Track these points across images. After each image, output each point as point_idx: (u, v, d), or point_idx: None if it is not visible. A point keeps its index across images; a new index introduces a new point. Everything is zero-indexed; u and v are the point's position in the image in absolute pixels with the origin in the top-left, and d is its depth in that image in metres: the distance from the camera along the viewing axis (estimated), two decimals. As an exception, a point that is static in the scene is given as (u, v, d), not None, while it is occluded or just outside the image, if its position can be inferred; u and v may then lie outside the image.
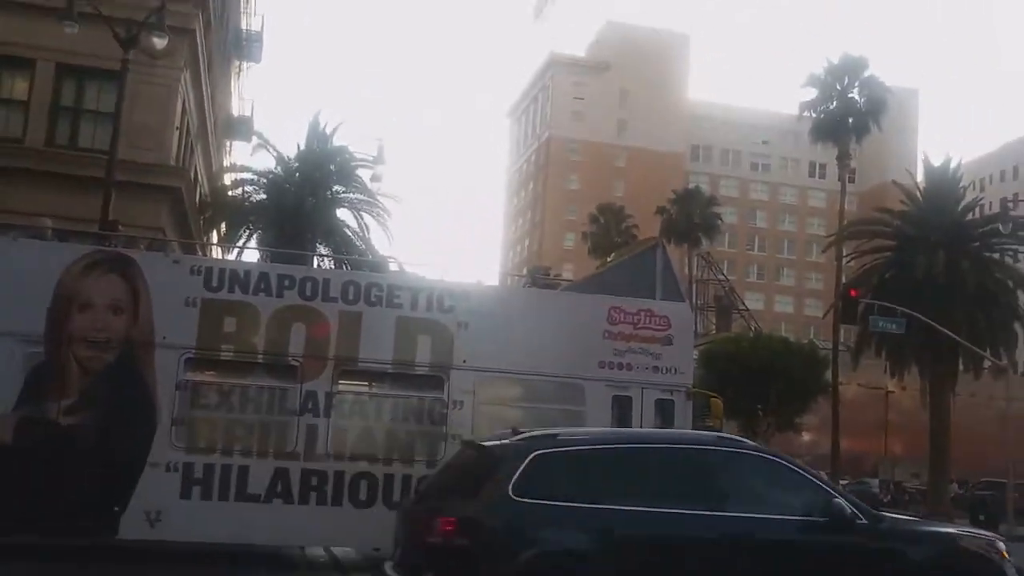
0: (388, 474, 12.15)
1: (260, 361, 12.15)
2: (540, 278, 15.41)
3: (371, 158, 40.73)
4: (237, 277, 12.26)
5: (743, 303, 69.03)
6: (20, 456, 11.16)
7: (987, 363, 38.37)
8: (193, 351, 11.89)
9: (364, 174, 40.57)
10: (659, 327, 13.31)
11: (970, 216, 44.77)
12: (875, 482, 46.71)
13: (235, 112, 44.49)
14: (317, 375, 12.15)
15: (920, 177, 46.95)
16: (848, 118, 47.24)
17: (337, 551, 13.16)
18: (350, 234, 39.03)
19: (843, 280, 44.16)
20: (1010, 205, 41.22)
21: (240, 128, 43.61)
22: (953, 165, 46.07)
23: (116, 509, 11.35)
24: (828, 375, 43.22)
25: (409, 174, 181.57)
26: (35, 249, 12.31)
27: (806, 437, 54.77)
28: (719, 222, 68.73)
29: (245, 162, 42.44)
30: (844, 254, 47.12)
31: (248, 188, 39.64)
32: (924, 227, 42.51)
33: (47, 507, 11.15)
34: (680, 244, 67.45)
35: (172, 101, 24.80)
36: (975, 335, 36.76)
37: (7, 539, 11.48)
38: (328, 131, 40.34)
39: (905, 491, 42.50)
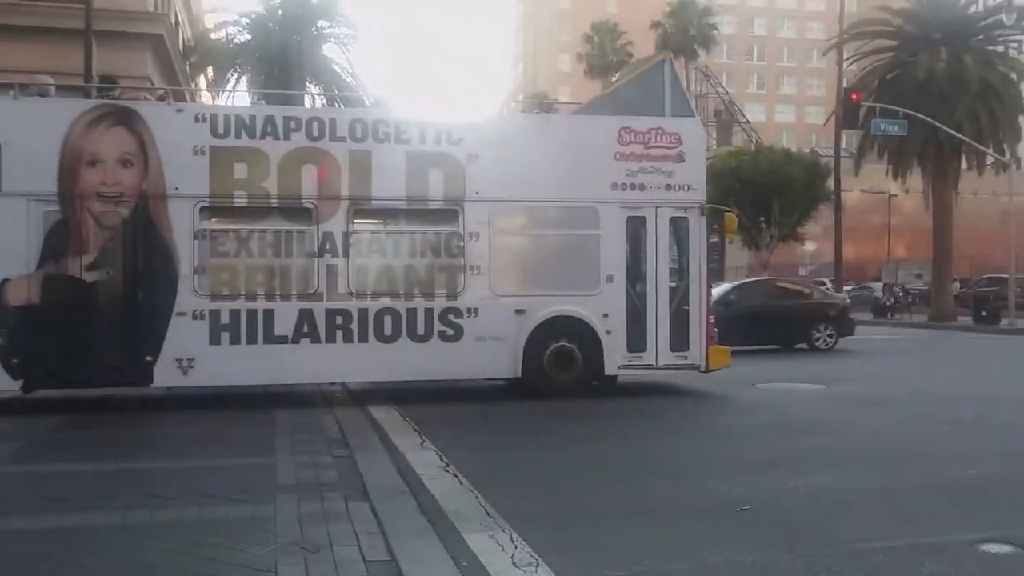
0: (410, 308, 12.45)
1: (274, 205, 12.23)
2: (546, 103, 15.20)
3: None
4: (243, 122, 12.21)
5: (743, 115, 68.20)
6: (48, 314, 11.40)
7: (990, 159, 38.24)
8: (207, 199, 11.97)
9: (347, 6, 39.72)
10: (670, 144, 13.25)
11: (973, 9, 43.59)
12: (878, 286, 47.30)
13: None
14: (332, 215, 12.28)
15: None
16: (847, -88, 45.28)
17: (352, 385, 13.59)
18: (339, 71, 38.50)
19: (844, 84, 43.38)
20: (1014, -6, 40.03)
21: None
22: None
23: (148, 359, 11.69)
24: (830, 183, 43.13)
25: (404, 4, 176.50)
26: (38, 106, 12.20)
27: (809, 246, 55.22)
28: (716, 33, 66.90)
29: (225, 3, 41.45)
30: (845, 57, 46.11)
31: (231, 30, 38.96)
32: (926, 24, 41.54)
33: (80, 361, 11.51)
34: (677, 58, 66.02)
35: (146, -58, 23.97)
36: (978, 132, 36.56)
37: (43, 393, 11.97)
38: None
39: (908, 293, 43.12)
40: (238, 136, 12.09)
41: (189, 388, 12.23)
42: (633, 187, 13.14)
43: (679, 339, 13.30)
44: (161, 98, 13.53)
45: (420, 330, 12.43)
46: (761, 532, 6.38)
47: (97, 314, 11.62)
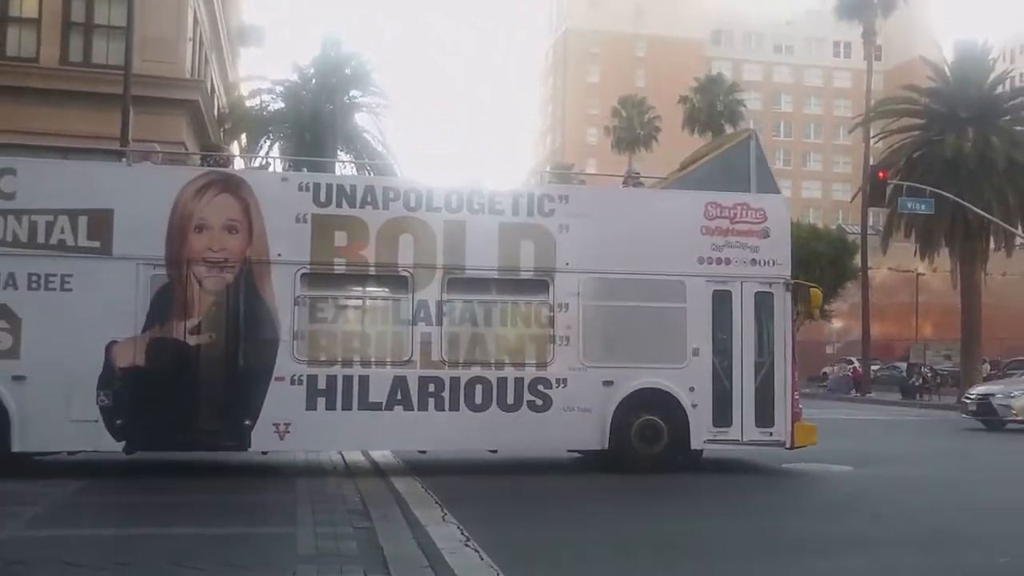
0: (501, 378, 12.54)
1: (372, 273, 12.51)
2: (632, 177, 15.49)
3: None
4: (344, 192, 12.48)
5: (777, 189, 68.32)
6: (152, 376, 11.62)
7: (1019, 240, 38.04)
8: (308, 266, 12.22)
9: (380, 77, 40.54)
10: (756, 220, 13.41)
11: (1000, 90, 43.83)
12: (903, 366, 46.84)
13: (246, 20, 43.87)
14: (427, 284, 12.50)
15: (948, 53, 45.74)
16: (874, -6, 45.95)
17: (376, 455, 13.54)
18: (370, 139, 39.08)
19: (871, 162, 43.55)
20: (1042, 76, 40.27)
21: (252, 36, 43.18)
22: (982, 38, 44.95)
23: (247, 423, 11.85)
24: (857, 260, 43.03)
25: (434, 76, 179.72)
26: (149, 173, 12.64)
27: (836, 324, 54.86)
28: (743, 108, 67.32)
29: (260, 72, 42.36)
30: (872, 135, 46.40)
31: (265, 97, 39.63)
32: (952, 103, 41.73)
33: (181, 424, 11.72)
34: (703, 133, 66.44)
35: (183, 11, 24.60)
36: (1006, 212, 36.45)
37: (144, 456, 12.23)
38: (340, 36, 40.11)
39: (936, 374, 42.65)
40: (339, 205, 12.39)
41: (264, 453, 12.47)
42: (719, 261, 13.29)
43: (764, 414, 13.28)
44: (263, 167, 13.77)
45: (510, 399, 12.55)
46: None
47: (199, 378, 11.87)
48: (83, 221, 11.63)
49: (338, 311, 12.42)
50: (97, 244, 11.66)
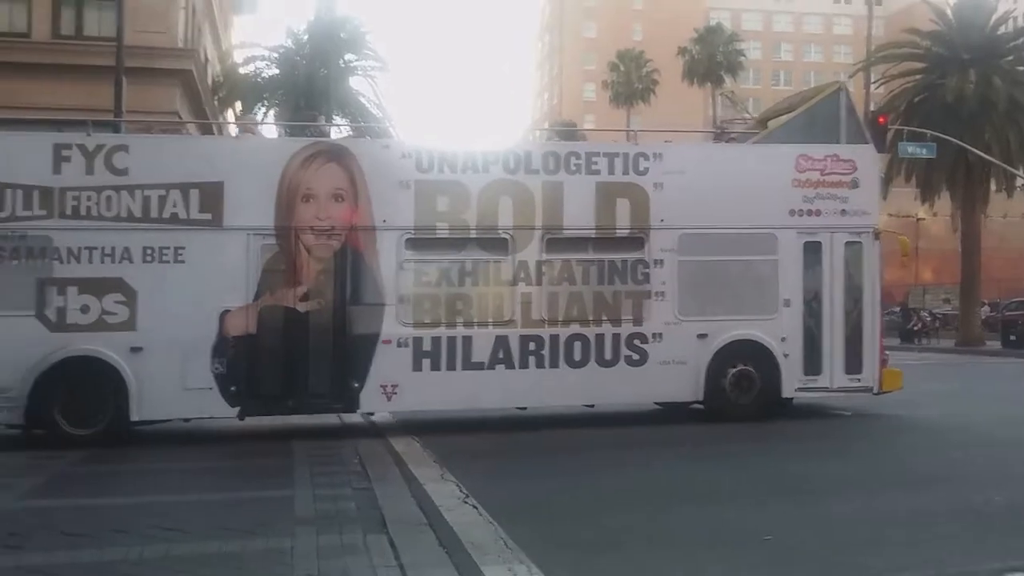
0: (599, 334, 12.80)
1: (473, 236, 12.69)
2: (723, 133, 15.70)
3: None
4: (445, 157, 12.65)
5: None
6: (265, 343, 11.93)
7: (1020, 181, 37.79)
8: (412, 231, 12.45)
9: (374, 40, 40.22)
10: (845, 171, 13.60)
11: (1002, 30, 43.26)
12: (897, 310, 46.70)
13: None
14: (526, 245, 12.71)
15: (949, -6, 45.06)
16: (872, -65, 45.14)
17: (375, 417, 13.56)
18: (366, 103, 38.85)
19: (871, 108, 43.13)
20: (1043, 15, 39.72)
21: (246, 2, 42.75)
22: None
23: (356, 385, 12.15)
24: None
25: (429, 36, 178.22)
26: (257, 145, 13.05)
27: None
28: (742, 59, 66.78)
29: (254, 39, 42.12)
30: (872, 80, 45.83)
31: (259, 64, 39.43)
32: (954, 46, 41.15)
33: (293, 389, 12.02)
34: (703, 85, 66.08)
35: (175, -20, 24.31)
36: (1007, 153, 36.21)
37: (259, 420, 12.55)
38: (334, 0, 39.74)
39: (935, 317, 42.59)
40: (440, 170, 12.58)
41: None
42: (810, 213, 13.48)
43: (853, 362, 13.56)
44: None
45: (608, 355, 12.83)
46: (780, 566, 6.24)
47: (309, 343, 12.13)
48: (195, 194, 11.83)
49: (441, 274, 12.60)
50: (209, 216, 11.87)
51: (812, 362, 13.43)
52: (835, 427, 13.64)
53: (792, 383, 13.34)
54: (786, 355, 13.26)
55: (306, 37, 39.58)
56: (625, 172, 13.04)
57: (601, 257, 12.97)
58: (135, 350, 11.50)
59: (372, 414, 12.79)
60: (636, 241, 13.04)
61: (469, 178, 12.61)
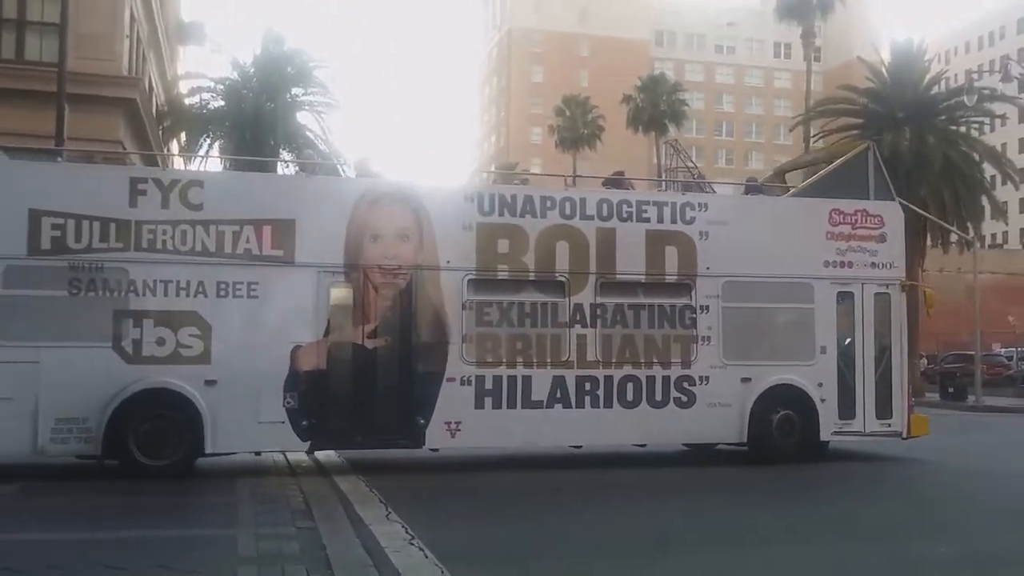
0: (650, 376, 13.40)
1: (532, 279, 13.22)
2: (754, 186, 16.45)
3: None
4: (505, 201, 13.27)
5: (713, 189, 69.06)
6: (335, 379, 12.31)
7: (954, 237, 38.89)
8: (474, 272, 12.95)
9: (323, 75, 40.19)
10: (874, 225, 14.43)
11: (936, 90, 44.87)
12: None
13: (185, 18, 43.20)
14: (582, 288, 13.28)
15: (885, 53, 46.61)
16: (812, -5, 46.61)
17: (320, 456, 13.40)
18: (312, 137, 38.74)
19: (811, 161, 44.10)
20: (975, 77, 41.26)
21: (192, 33, 42.56)
22: (918, 39, 46.04)
23: (422, 422, 12.56)
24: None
25: (377, 72, 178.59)
26: (328, 185, 13.74)
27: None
28: (685, 108, 68.39)
29: (200, 69, 41.74)
30: (811, 134, 47.20)
31: (205, 95, 39.17)
32: (890, 103, 42.82)
33: (362, 424, 12.42)
34: (647, 132, 67.26)
35: (120, 8, 24.26)
36: (942, 210, 37.54)
37: (393, 454, 13.05)
38: (282, 34, 39.71)
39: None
40: (501, 214, 13.16)
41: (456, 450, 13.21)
42: (842, 264, 14.31)
43: (883, 407, 14.32)
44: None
45: (658, 396, 13.42)
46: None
47: (377, 380, 12.57)
48: (267, 230, 12.20)
49: (502, 315, 13.05)
50: (281, 253, 12.24)
51: (846, 407, 14.18)
52: (856, 471, 14.18)
53: (829, 427, 14.07)
54: (823, 400, 14.00)
55: (253, 70, 39.41)
56: (673, 221, 13.74)
57: (651, 302, 13.62)
58: (209, 383, 11.79)
59: (437, 450, 13.12)
60: (683, 287, 13.72)
61: (528, 222, 13.20)
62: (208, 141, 37.66)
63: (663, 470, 13.94)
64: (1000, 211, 43.89)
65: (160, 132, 34.25)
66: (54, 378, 11.27)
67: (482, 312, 12.91)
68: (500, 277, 13.12)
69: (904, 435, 14.44)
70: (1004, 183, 44.47)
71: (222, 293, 11.97)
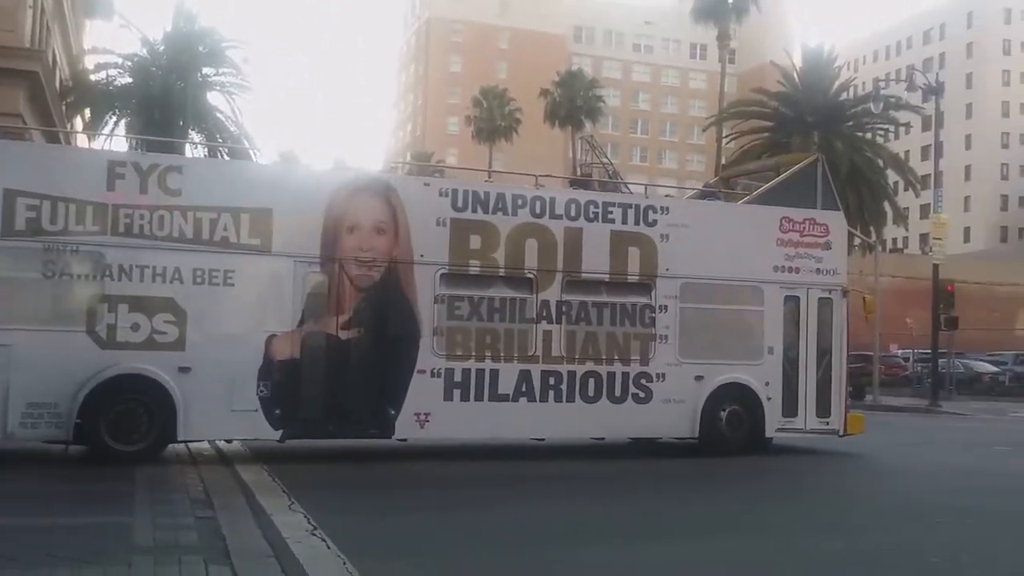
0: (610, 372, 13.82)
1: (501, 275, 13.49)
2: (710, 191, 17.03)
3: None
4: (478, 198, 13.47)
5: (627, 186, 69.84)
6: (307, 368, 12.38)
7: (857, 240, 40.00)
8: (446, 267, 13.15)
9: (235, 56, 39.46)
10: (820, 234, 15.13)
11: (844, 96, 46.30)
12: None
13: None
14: (548, 286, 13.60)
15: (797, 58, 47.78)
16: (728, -2, 47.46)
17: (220, 443, 13.15)
18: (223, 119, 38.02)
19: (723, 161, 45.00)
20: (881, 85, 42.51)
21: (100, 7, 41.24)
22: (828, 46, 47.81)
23: (392, 412, 12.72)
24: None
25: (294, 59, 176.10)
26: (305, 175, 13.84)
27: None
28: (602, 104, 69.35)
29: (107, 45, 40.55)
30: (724, 135, 48.10)
31: (112, 72, 38.24)
32: (800, 108, 44.05)
33: (333, 414, 12.56)
34: (563, 127, 67.73)
35: (23, -23, 23.23)
36: (847, 214, 37.83)
37: (299, 443, 12.87)
38: (195, 11, 38.88)
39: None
40: (474, 210, 13.38)
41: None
42: (790, 270, 14.95)
43: (823, 406, 15.03)
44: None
45: (617, 392, 13.85)
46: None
47: (350, 370, 12.67)
48: (245, 219, 12.21)
49: (472, 309, 13.29)
50: (257, 241, 12.27)
51: (789, 405, 14.83)
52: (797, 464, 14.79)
53: (774, 424, 14.71)
54: (769, 398, 14.64)
55: (163, 47, 38.47)
56: (636, 222, 14.15)
57: (613, 300, 14.01)
58: (183, 370, 11.77)
59: (405, 440, 13.28)
60: (644, 287, 14.16)
61: (499, 219, 13.47)
62: (114, 119, 36.80)
63: (601, 462, 14.26)
64: (901, 217, 45.43)
65: (64, 108, 33.18)
66: (26, 362, 11.12)
67: (453, 306, 13.16)
68: (471, 272, 13.36)
69: (841, 433, 15.21)
70: (906, 189, 46.12)
71: (198, 280, 11.93)
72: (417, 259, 12.96)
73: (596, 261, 13.90)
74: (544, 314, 13.54)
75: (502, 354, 13.32)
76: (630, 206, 14.24)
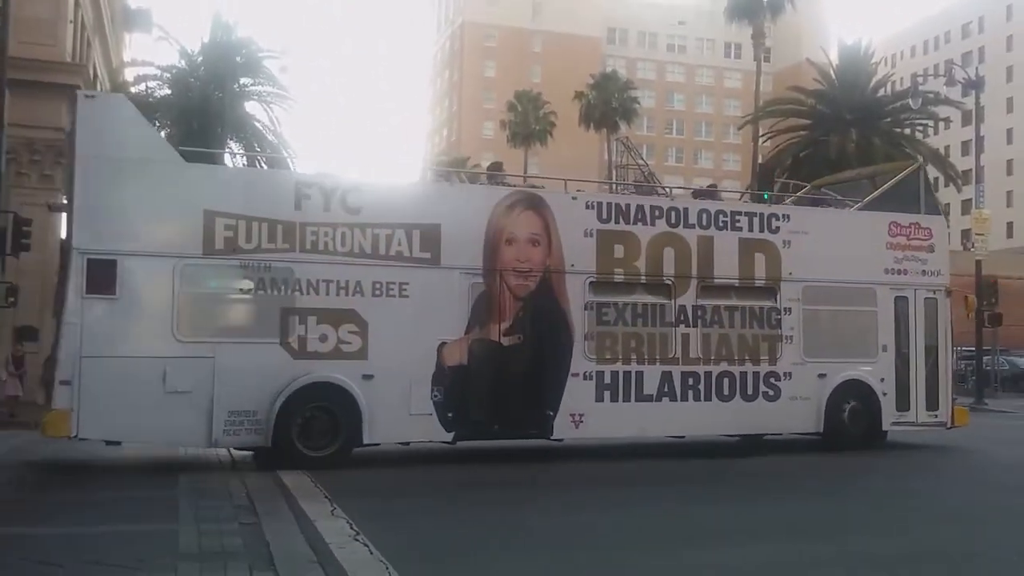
0: (743, 372, 14.80)
1: (643, 281, 14.46)
2: (709, 191, 17.80)
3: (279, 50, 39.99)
4: (620, 209, 14.47)
5: (663, 187, 69.55)
6: (475, 374, 13.28)
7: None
8: (594, 275, 14.11)
9: (272, 66, 39.81)
10: (925, 237, 16.16)
11: (882, 93, 46.24)
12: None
13: (132, 4, 42.47)
14: (685, 291, 14.57)
15: (834, 55, 47.39)
16: (763, -4, 47.19)
17: (236, 453, 13.28)
18: (260, 128, 38.38)
19: (759, 160, 44.73)
20: (920, 80, 42.01)
21: (139, 20, 41.90)
22: (865, 42, 47.71)
23: (550, 414, 13.66)
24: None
25: (327, 67, 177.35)
26: (468, 192, 15.04)
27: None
28: (637, 106, 69.55)
29: (146, 57, 41.18)
30: (760, 134, 47.88)
31: (151, 83, 38.82)
32: (837, 105, 43.98)
33: (498, 415, 13.45)
34: (599, 129, 67.90)
35: (63, -8, 23.62)
36: (886, 211, 37.69)
37: (466, 444, 13.66)
38: (232, 22, 39.28)
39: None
40: (617, 221, 14.35)
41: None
42: (899, 272, 16.01)
43: (932, 400, 16.08)
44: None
45: (749, 390, 14.83)
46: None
47: (512, 374, 13.57)
48: (416, 234, 13.14)
49: (617, 315, 14.19)
50: (428, 255, 13.18)
51: (902, 400, 15.85)
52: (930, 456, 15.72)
53: (889, 418, 15.72)
54: (884, 394, 15.64)
55: (200, 58, 38.94)
56: (761, 230, 15.13)
57: (743, 304, 15.01)
58: (367, 377, 12.65)
59: (561, 440, 14.12)
60: (770, 291, 15.17)
61: (640, 229, 14.43)
62: (155, 129, 37.01)
63: (652, 461, 14.50)
64: (943, 213, 44.58)
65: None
66: (227, 372, 11.90)
67: (601, 312, 14.07)
68: (616, 280, 14.31)
69: (948, 425, 16.19)
70: (947, 185, 45.72)
71: (376, 292, 12.82)
72: (568, 268, 13.89)
73: (727, 267, 14.88)
74: (682, 318, 14.49)
75: (646, 356, 14.25)
76: (755, 214, 15.27)
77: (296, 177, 13.64)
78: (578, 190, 15.44)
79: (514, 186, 15.49)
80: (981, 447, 16.72)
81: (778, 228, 15.17)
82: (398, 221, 13.04)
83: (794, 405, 15.00)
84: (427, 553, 7.82)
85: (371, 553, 7.38)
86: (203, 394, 11.83)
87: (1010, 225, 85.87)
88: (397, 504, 10.36)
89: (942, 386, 16.19)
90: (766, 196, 18.68)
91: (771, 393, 14.89)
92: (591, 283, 14.04)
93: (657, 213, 14.59)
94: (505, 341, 13.46)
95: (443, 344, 13.13)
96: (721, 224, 14.89)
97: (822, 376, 15.17)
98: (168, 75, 38.49)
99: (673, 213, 14.69)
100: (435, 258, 13.17)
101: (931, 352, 16.14)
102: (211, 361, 11.87)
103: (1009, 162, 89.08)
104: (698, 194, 17.51)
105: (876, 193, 16.97)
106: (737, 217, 15.08)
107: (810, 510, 10.33)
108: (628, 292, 14.33)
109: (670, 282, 14.51)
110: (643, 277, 14.42)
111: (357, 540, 7.83)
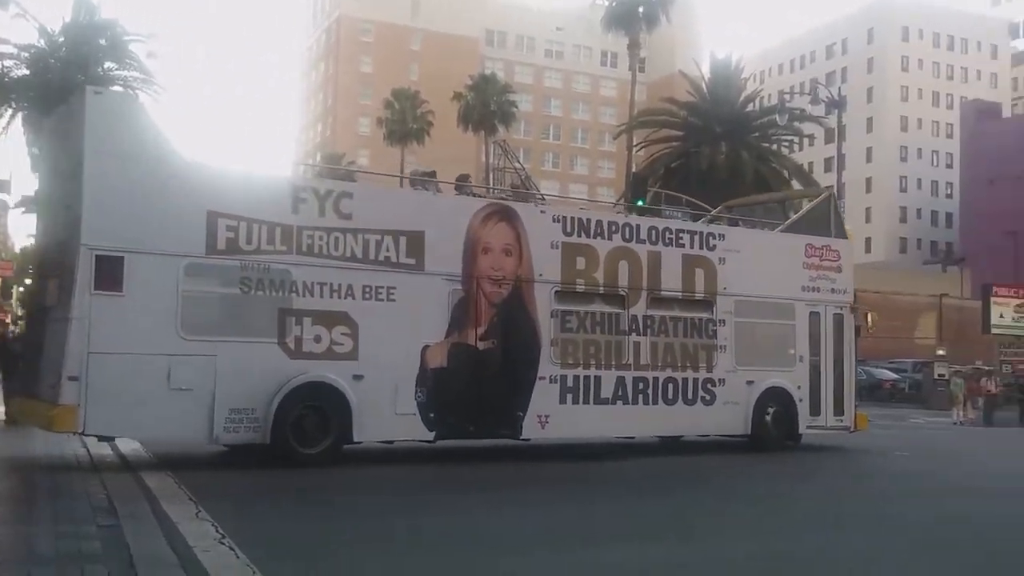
0: (684, 378, 16.09)
1: (601, 292, 15.52)
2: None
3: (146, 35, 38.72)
4: (582, 224, 15.54)
5: (539, 191, 70.17)
6: (454, 375, 13.99)
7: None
8: (559, 285, 15.08)
9: (140, 51, 38.61)
10: (835, 258, 17.97)
11: (751, 108, 48.00)
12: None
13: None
14: (637, 302, 15.71)
15: (706, 69, 48.94)
16: (639, 7, 49.38)
17: (123, 448, 12.87)
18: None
19: (633, 168, 45.80)
20: (786, 97, 43.88)
21: (-4, -5, 39.83)
22: (736, 58, 49.93)
23: (520, 414, 14.55)
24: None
25: (199, 56, 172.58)
26: (449, 202, 15.44)
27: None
28: (515, 109, 70.35)
29: (2, 35, 39.31)
30: (634, 143, 48.93)
31: (7, 63, 37.22)
32: (708, 118, 45.72)
33: (473, 416, 14.21)
34: (476, 131, 68.12)
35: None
36: (753, 222, 39.11)
37: (445, 443, 14.30)
38: (96, 2, 37.90)
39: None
40: (579, 235, 15.37)
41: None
42: (813, 289, 17.78)
43: (839, 406, 17.90)
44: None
45: (689, 395, 16.13)
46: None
47: (486, 377, 14.34)
48: (403, 240, 13.75)
49: (579, 323, 15.23)
50: (413, 261, 13.82)
51: (814, 406, 17.64)
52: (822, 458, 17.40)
53: (804, 422, 17.47)
54: (800, 400, 17.39)
55: (62, 39, 37.48)
56: (701, 247, 16.49)
57: (685, 315, 16.32)
58: (357, 377, 13.19)
59: (528, 440, 14.95)
60: (707, 304, 16.58)
61: (598, 243, 15.54)
62: (11, 111, 35.71)
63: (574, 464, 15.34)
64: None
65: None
66: (228, 371, 12.23)
67: (564, 320, 15.09)
68: (578, 290, 15.35)
69: (851, 429, 18.10)
70: (810, 200, 47.23)
71: (367, 296, 13.39)
72: (537, 277, 14.84)
73: (672, 280, 16.18)
74: (634, 327, 15.64)
75: (603, 362, 15.30)
76: (696, 232, 16.61)
77: (293, 181, 14.13)
78: (504, 197, 16.46)
79: (494, 200, 16.21)
80: (877, 448, 18.57)
81: (715, 246, 16.58)
82: (386, 228, 13.62)
83: (727, 409, 16.47)
84: (294, 554, 7.76)
85: (237, 556, 7.28)
86: (205, 391, 12.16)
87: (868, 240, 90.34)
88: (264, 506, 10.30)
89: (847, 394, 18.11)
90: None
91: (708, 398, 16.28)
92: (556, 292, 15.03)
93: (613, 228, 15.75)
94: (481, 345, 14.30)
95: (426, 347, 13.84)
96: (667, 240, 16.15)
97: (750, 383, 16.73)
98: (26, 55, 37.05)
99: (627, 228, 15.88)
100: (419, 264, 13.86)
101: (838, 363, 17.95)
102: (213, 359, 12.20)
103: (868, 179, 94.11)
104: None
105: (795, 217, 18.91)
106: (681, 234, 16.36)
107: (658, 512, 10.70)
108: (587, 302, 15.41)
109: (624, 293, 15.64)
110: (601, 288, 15.59)
111: (222, 543, 7.71)
